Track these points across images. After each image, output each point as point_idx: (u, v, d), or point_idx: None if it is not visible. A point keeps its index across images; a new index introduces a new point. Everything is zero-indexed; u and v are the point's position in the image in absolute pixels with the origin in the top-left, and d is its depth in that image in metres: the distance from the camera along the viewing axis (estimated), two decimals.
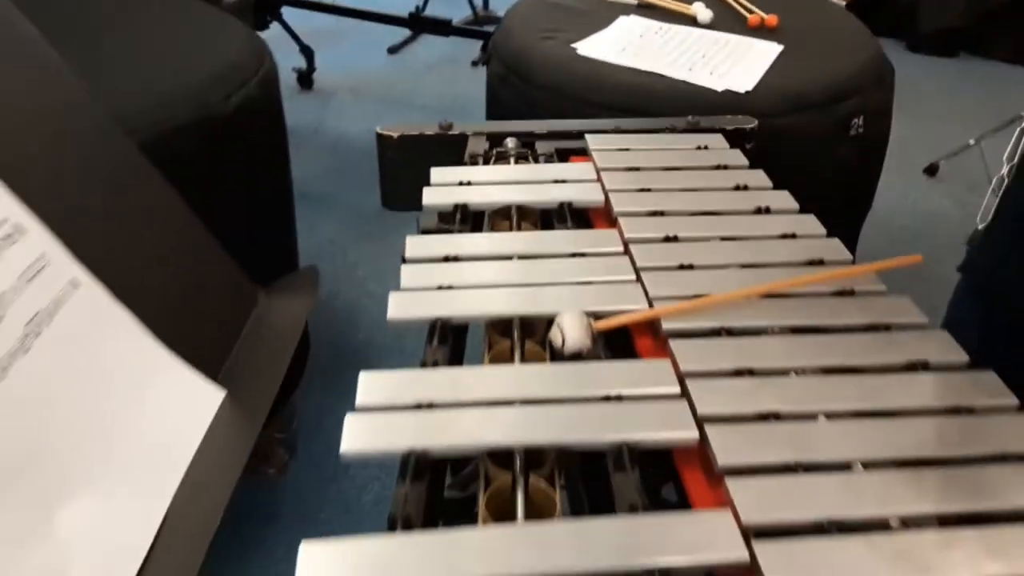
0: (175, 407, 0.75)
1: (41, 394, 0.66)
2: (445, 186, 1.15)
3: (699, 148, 1.27)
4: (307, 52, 3.37)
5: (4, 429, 0.62)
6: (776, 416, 0.75)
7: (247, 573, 1.52)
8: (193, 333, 0.82)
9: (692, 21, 1.82)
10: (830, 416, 0.75)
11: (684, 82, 1.55)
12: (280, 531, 1.57)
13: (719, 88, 1.53)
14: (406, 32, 3.75)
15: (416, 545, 0.62)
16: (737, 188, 1.17)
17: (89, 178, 0.81)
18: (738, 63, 1.61)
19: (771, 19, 1.81)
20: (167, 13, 1.60)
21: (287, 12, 3.32)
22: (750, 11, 1.85)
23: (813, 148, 1.56)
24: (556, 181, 1.15)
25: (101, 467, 0.67)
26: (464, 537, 0.62)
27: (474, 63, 3.62)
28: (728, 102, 1.50)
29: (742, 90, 1.52)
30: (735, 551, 0.61)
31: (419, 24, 3.33)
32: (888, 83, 1.66)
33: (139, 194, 0.86)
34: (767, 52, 1.66)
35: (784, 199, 1.14)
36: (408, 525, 0.65)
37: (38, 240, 0.71)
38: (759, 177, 1.19)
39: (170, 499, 0.70)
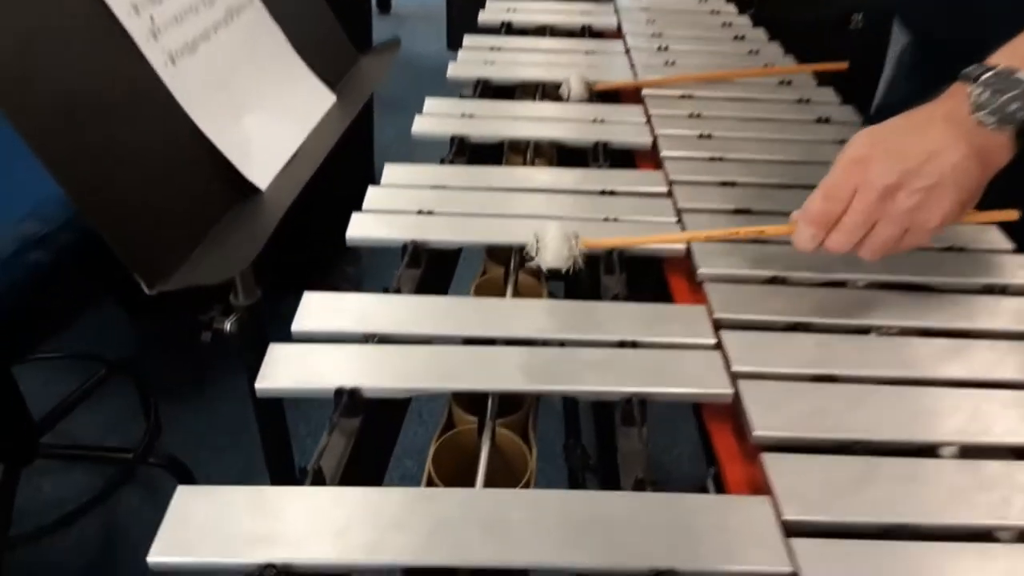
0: (305, 94, 1.17)
1: (236, 48, 1.05)
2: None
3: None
4: None
5: (218, 56, 1.01)
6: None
7: None
8: (319, 59, 1.21)
9: None
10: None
11: None
12: None
13: None
14: None
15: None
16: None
17: None
18: None
19: None
20: None
21: None
22: None
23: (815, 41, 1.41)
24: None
25: (265, 103, 1.07)
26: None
27: None
28: None
29: None
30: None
31: None
32: None
33: None
34: None
35: None
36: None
37: None
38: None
39: (301, 140, 1.10)
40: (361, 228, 0.82)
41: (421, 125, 1.04)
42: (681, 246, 0.80)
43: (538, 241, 0.72)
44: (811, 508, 0.54)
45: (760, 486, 0.56)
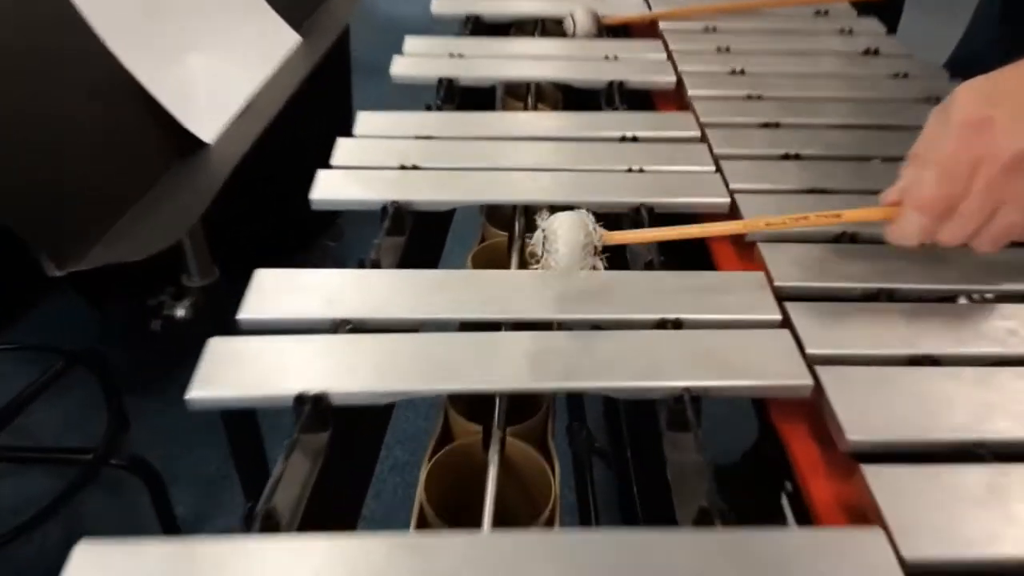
0: (263, 33, 1.05)
1: None
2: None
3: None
4: None
5: None
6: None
7: None
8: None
9: None
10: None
11: None
12: None
13: None
14: None
15: None
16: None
17: None
18: None
19: None
20: None
21: None
22: None
23: None
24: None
25: (213, 42, 0.95)
26: None
27: None
28: None
29: None
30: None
31: None
32: None
33: None
34: None
35: None
36: None
37: None
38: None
39: (257, 85, 0.98)
40: (329, 187, 0.67)
41: (401, 67, 0.88)
42: (723, 199, 0.67)
43: (546, 237, 0.57)
44: (935, 541, 0.42)
45: (856, 508, 0.45)
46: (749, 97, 0.85)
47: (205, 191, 0.78)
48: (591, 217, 0.57)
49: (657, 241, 0.60)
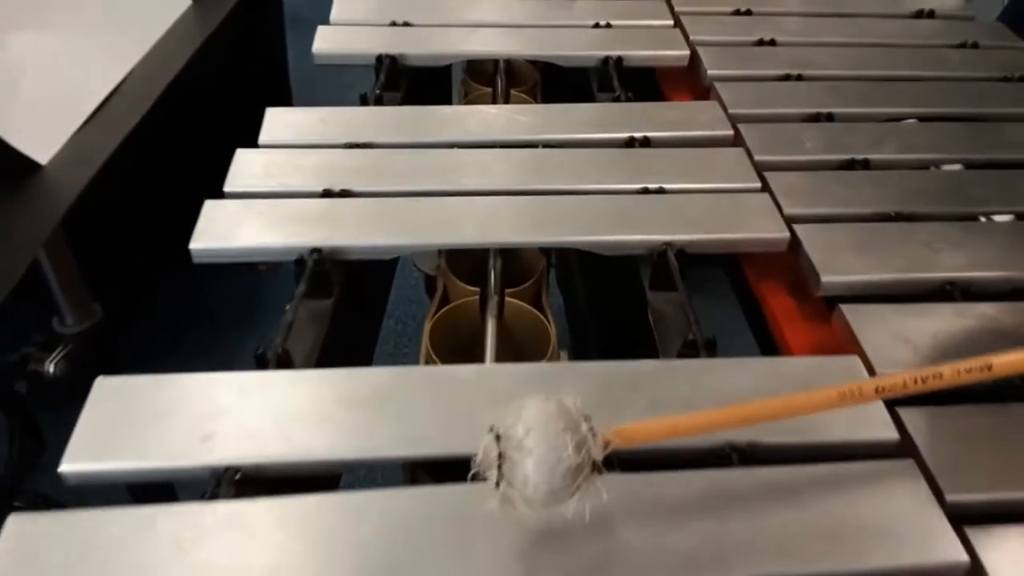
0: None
1: None
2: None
3: None
4: None
5: None
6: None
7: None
8: None
9: None
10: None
11: None
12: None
13: None
14: None
15: None
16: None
17: None
18: None
19: None
20: None
21: None
22: None
23: None
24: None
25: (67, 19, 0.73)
26: None
27: None
28: None
29: None
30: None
31: None
32: None
33: None
34: None
35: None
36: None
37: None
38: None
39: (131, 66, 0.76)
40: (217, 228, 0.47)
41: (328, 41, 0.72)
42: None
43: (502, 450, 0.32)
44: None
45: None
46: (787, 77, 0.71)
47: (41, 225, 0.56)
48: (579, 406, 0.33)
49: (693, 433, 0.37)
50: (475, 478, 0.33)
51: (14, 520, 0.35)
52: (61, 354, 0.75)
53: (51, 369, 0.75)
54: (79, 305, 0.75)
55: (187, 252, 0.49)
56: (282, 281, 0.52)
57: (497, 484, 0.32)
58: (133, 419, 0.39)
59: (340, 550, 0.34)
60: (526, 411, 0.32)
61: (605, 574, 0.34)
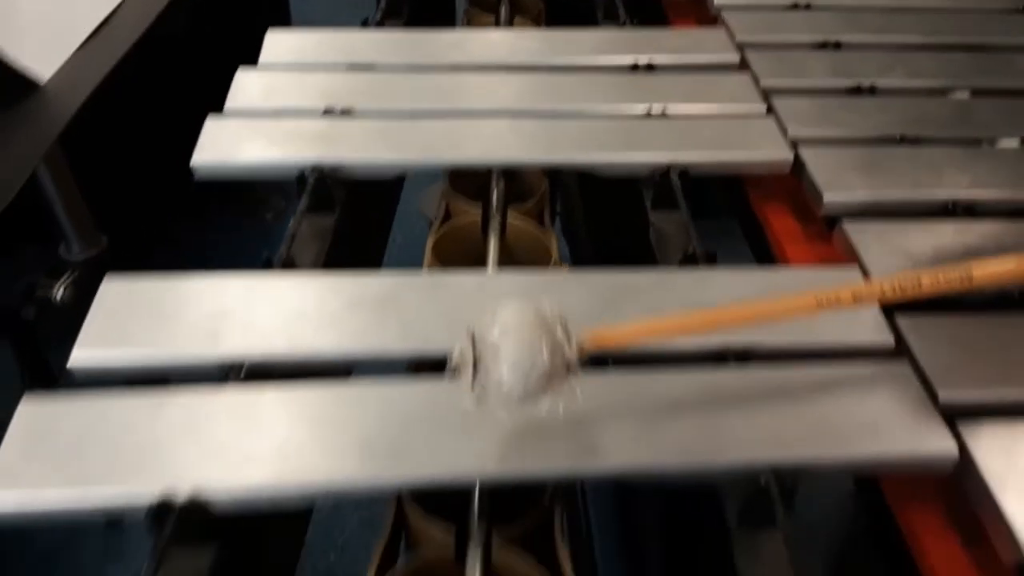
0: None
1: None
2: None
3: None
4: None
5: None
6: None
7: None
8: None
9: None
10: None
11: None
12: None
13: None
14: None
15: None
16: None
17: None
18: None
19: None
20: None
21: None
22: None
23: None
24: None
25: None
26: None
27: None
28: None
29: None
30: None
31: None
32: None
33: None
34: None
35: None
36: None
37: None
38: None
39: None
40: (219, 145, 0.48)
41: None
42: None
43: (478, 352, 0.33)
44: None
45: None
46: (794, 6, 0.68)
47: (41, 138, 0.56)
48: (556, 313, 0.34)
49: (669, 334, 0.38)
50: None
51: (27, 401, 0.36)
52: (68, 281, 0.76)
53: (58, 295, 0.76)
54: (84, 233, 0.76)
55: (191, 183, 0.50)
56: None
57: (472, 386, 0.33)
58: (141, 316, 0.40)
59: (343, 433, 0.35)
60: (502, 315, 0.33)
61: (598, 456, 0.35)
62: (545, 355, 0.32)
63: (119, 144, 0.94)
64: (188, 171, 0.50)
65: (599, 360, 0.39)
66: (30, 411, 0.36)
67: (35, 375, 0.87)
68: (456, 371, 0.33)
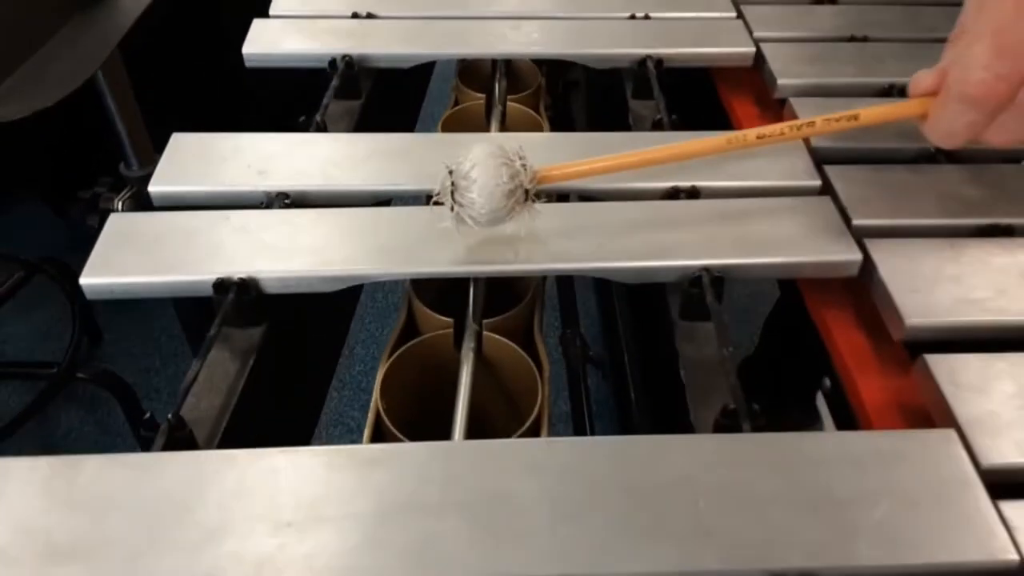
0: None
1: None
2: None
3: None
4: None
5: None
6: None
7: None
8: None
9: None
10: None
11: None
12: None
13: None
14: None
15: None
16: None
17: None
18: None
19: None
20: None
21: None
22: None
23: None
24: None
25: None
26: None
27: None
28: None
29: None
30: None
31: None
32: None
33: None
34: None
35: None
36: None
37: None
38: None
39: None
40: (265, 40, 0.57)
41: None
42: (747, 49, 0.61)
43: (454, 183, 0.42)
44: (1017, 444, 0.36)
45: (915, 408, 0.40)
46: None
47: (113, 33, 0.66)
48: (516, 150, 0.43)
49: (607, 172, 0.46)
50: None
51: (114, 217, 0.45)
52: (128, 195, 0.86)
53: (119, 206, 0.86)
54: (143, 152, 0.85)
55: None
56: None
57: (452, 208, 0.42)
58: (203, 160, 0.50)
59: (367, 240, 0.45)
60: (472, 153, 0.42)
61: (567, 259, 0.44)
62: (506, 179, 0.41)
63: (173, 66, 1.03)
64: (239, 94, 0.58)
65: (564, 198, 0.48)
66: (117, 222, 0.45)
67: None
68: (439, 198, 0.42)
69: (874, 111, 0.45)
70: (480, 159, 0.41)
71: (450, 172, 0.42)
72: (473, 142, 0.44)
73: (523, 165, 0.42)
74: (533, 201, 0.43)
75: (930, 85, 0.44)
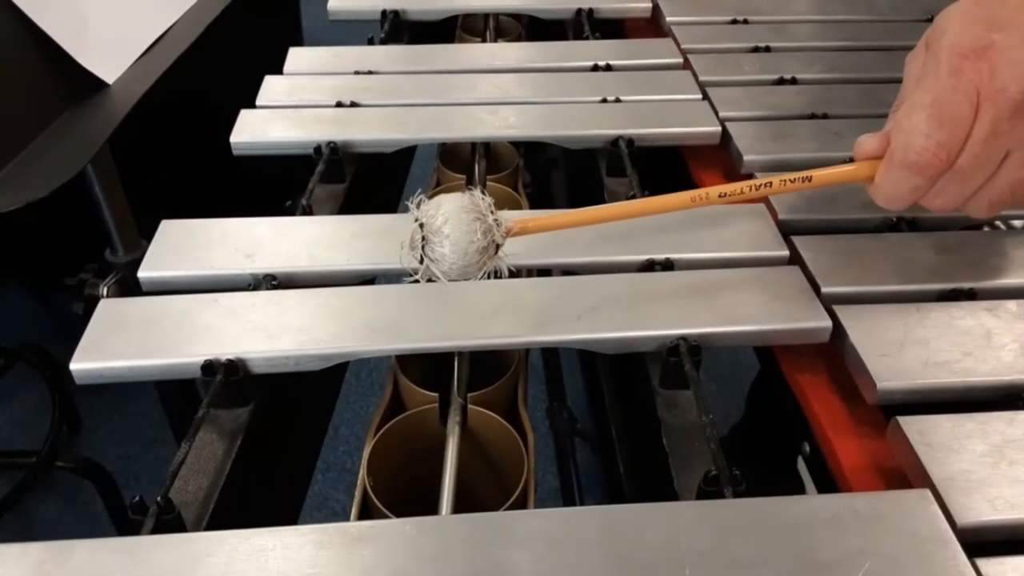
0: None
1: None
2: None
3: None
4: None
5: None
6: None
7: None
8: None
9: None
10: None
11: None
12: None
13: None
14: None
15: None
16: None
17: None
18: None
19: None
20: None
21: None
22: None
23: None
24: None
25: None
26: None
27: None
28: None
29: None
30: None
31: None
32: None
33: None
34: None
35: None
36: None
37: None
38: None
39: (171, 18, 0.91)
40: (252, 128, 0.57)
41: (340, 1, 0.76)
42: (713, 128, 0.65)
43: (425, 235, 0.41)
44: (991, 503, 0.37)
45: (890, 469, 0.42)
46: (734, 22, 0.81)
47: (104, 127, 0.68)
48: (486, 199, 0.42)
49: (576, 225, 0.47)
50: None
51: (104, 303, 0.46)
52: (113, 280, 0.86)
53: (105, 292, 0.87)
54: (128, 237, 0.87)
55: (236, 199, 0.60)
56: None
57: (421, 260, 0.41)
58: (192, 245, 0.51)
59: (352, 317, 0.46)
60: (444, 206, 0.41)
61: (549, 332, 0.45)
62: (479, 235, 0.41)
63: (160, 155, 1.06)
64: (225, 182, 0.61)
65: (547, 272, 0.50)
66: (108, 308, 0.46)
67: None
68: (408, 249, 0.41)
69: (825, 173, 0.47)
70: (452, 213, 0.41)
71: (420, 225, 0.41)
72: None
73: (495, 220, 0.42)
74: (502, 255, 0.42)
75: (873, 148, 0.46)
